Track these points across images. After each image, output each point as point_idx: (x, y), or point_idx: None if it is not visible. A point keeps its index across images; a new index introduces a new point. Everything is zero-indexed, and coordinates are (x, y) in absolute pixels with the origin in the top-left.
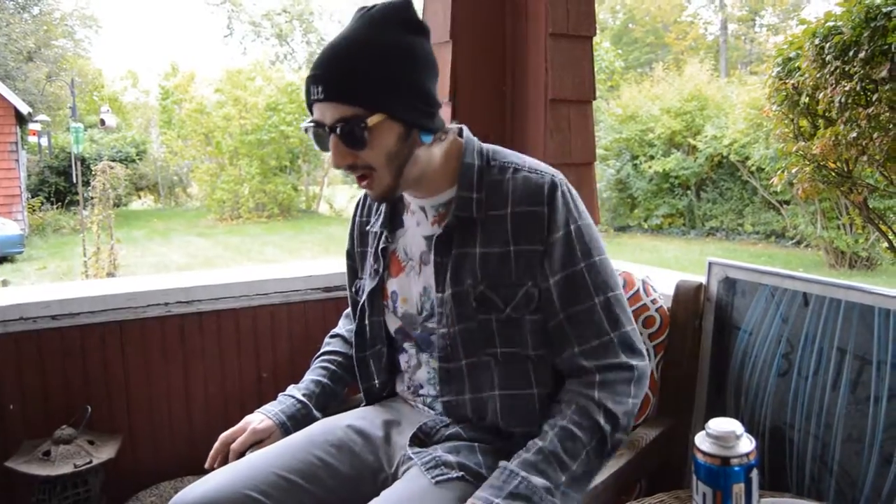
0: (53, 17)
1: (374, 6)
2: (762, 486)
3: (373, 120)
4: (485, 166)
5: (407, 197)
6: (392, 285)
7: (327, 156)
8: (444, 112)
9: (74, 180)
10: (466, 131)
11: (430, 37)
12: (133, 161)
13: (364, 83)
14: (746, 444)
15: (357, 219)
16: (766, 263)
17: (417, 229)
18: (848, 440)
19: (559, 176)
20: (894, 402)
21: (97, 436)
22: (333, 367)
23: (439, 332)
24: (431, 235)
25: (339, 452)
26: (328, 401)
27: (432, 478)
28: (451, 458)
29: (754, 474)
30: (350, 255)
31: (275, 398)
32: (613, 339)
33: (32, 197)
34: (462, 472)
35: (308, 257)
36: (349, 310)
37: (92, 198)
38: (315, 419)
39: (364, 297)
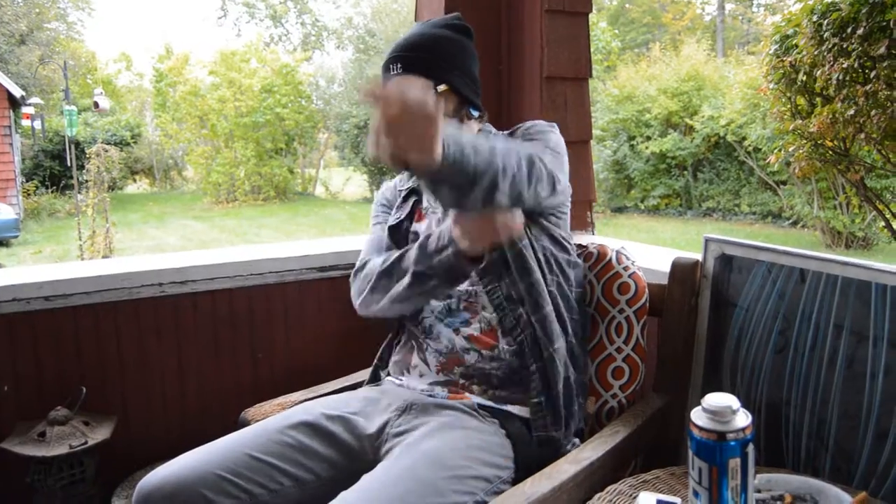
0: (45, 0)
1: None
2: (758, 462)
3: (440, 88)
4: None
5: None
6: (414, 227)
7: (324, 138)
8: None
9: (69, 164)
10: None
11: (474, 39)
12: (128, 144)
13: (434, 60)
14: (743, 419)
15: (383, 195)
16: None
17: None
18: (844, 416)
19: None
20: (890, 377)
21: (92, 416)
22: None
23: None
24: None
25: (314, 433)
26: None
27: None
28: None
29: (750, 449)
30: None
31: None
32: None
33: (27, 181)
34: None
35: (304, 239)
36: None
37: (87, 181)
38: None
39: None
